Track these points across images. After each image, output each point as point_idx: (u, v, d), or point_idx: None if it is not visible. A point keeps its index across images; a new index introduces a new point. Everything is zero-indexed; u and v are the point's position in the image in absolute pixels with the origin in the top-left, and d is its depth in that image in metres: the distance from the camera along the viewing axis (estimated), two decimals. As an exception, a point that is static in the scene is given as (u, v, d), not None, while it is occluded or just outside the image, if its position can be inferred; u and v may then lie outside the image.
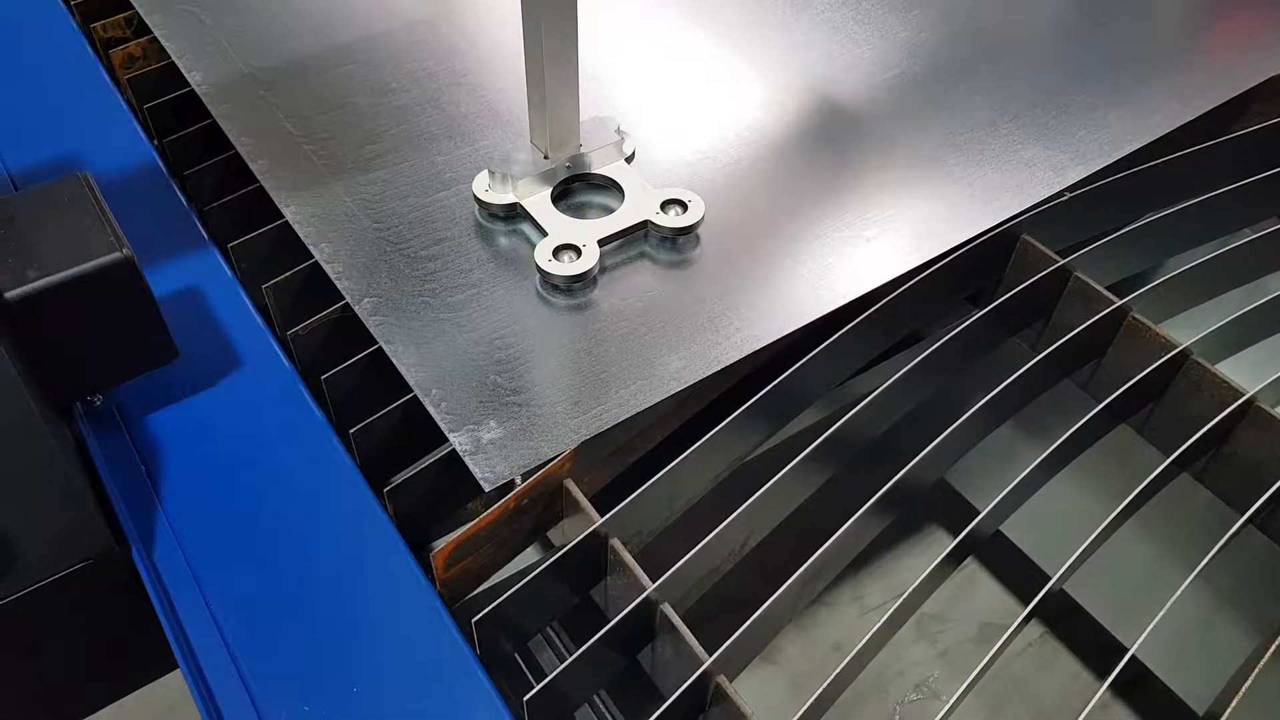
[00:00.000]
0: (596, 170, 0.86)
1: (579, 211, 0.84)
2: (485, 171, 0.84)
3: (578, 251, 0.78)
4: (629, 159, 0.88)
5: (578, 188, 0.86)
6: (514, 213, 0.83)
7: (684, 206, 0.82)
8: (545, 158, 0.83)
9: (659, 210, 0.81)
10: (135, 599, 0.70)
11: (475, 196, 0.83)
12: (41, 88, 1.04)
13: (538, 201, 0.82)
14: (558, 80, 0.78)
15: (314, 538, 0.70)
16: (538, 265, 0.77)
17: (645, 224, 0.81)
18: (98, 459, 0.74)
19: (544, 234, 0.80)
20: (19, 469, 0.63)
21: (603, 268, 0.79)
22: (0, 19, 1.12)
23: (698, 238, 0.82)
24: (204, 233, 0.90)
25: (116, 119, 1.01)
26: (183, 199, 0.93)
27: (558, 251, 0.78)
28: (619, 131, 0.87)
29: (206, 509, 0.71)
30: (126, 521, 0.70)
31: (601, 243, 0.79)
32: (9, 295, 0.64)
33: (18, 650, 0.72)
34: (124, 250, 0.67)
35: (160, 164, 0.96)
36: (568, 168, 0.84)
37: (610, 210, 0.83)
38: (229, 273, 0.87)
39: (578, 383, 0.72)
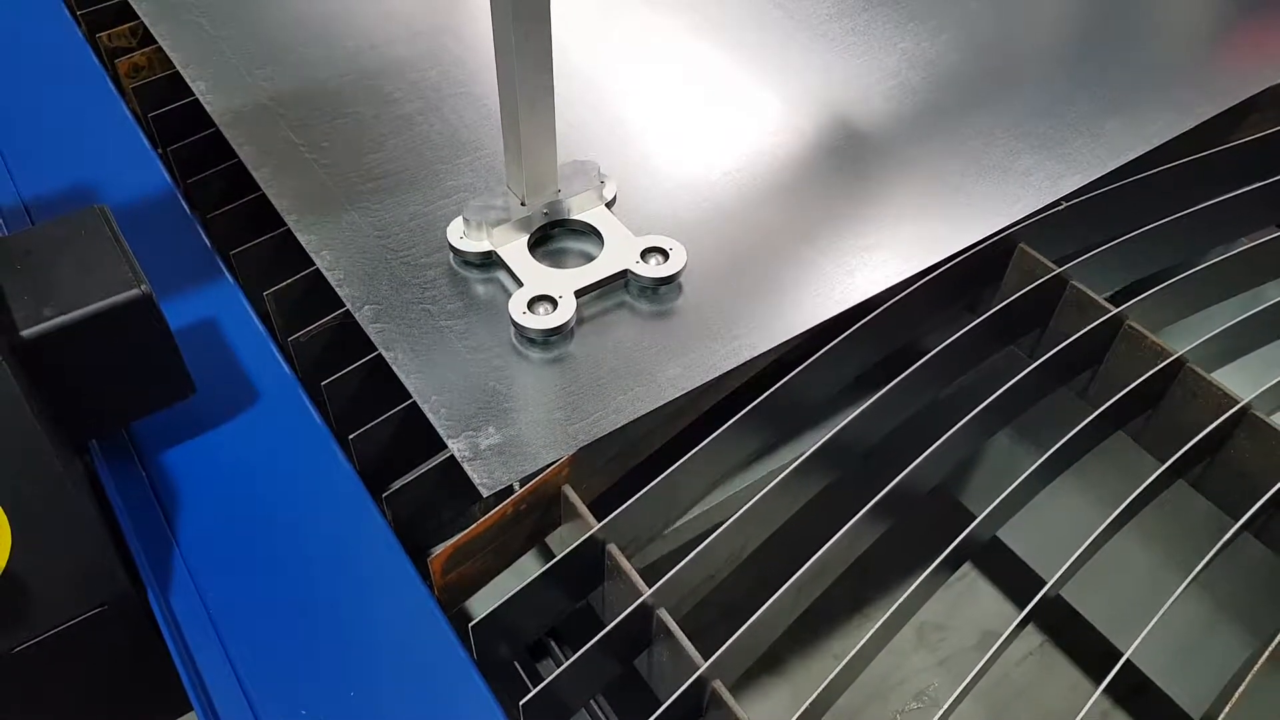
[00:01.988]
0: (575, 216, 0.83)
1: (557, 259, 0.82)
2: (459, 218, 0.81)
3: (554, 303, 0.76)
4: (610, 204, 0.85)
5: (557, 233, 0.83)
6: (490, 260, 0.80)
7: (665, 255, 0.79)
8: (522, 204, 0.80)
9: (639, 259, 0.79)
10: (151, 641, 0.68)
11: (449, 244, 0.81)
12: (48, 97, 1.05)
13: (513, 249, 0.80)
14: (534, 125, 0.75)
15: (312, 542, 0.70)
16: (511, 318, 0.75)
17: (625, 273, 0.79)
18: (113, 496, 0.72)
19: (519, 283, 0.78)
20: (34, 512, 0.61)
21: (580, 318, 0.77)
22: (6, 29, 1.14)
23: (680, 286, 0.79)
24: (207, 241, 0.90)
25: (121, 128, 1.01)
26: (185, 206, 0.93)
27: (533, 303, 0.75)
28: (600, 176, 0.84)
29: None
30: (142, 561, 0.69)
31: (579, 293, 0.77)
32: (25, 333, 0.63)
33: (30, 697, 0.70)
34: (142, 287, 0.66)
35: (164, 172, 0.97)
36: (545, 214, 0.81)
37: (589, 257, 0.81)
38: (231, 279, 0.87)
39: (576, 390, 0.73)
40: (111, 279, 0.66)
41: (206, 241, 0.90)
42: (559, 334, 0.75)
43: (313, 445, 0.76)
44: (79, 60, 1.09)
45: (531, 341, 0.75)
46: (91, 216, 0.70)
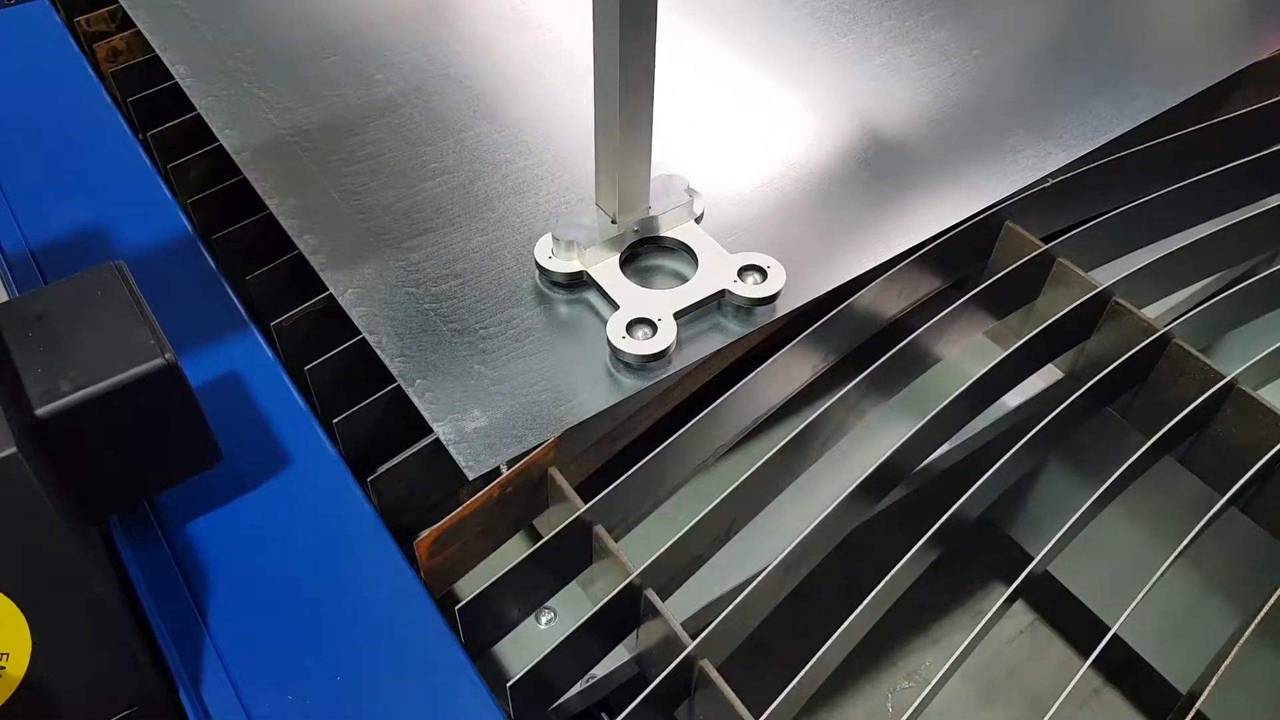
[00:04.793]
0: (666, 233, 0.80)
1: (645, 277, 0.79)
2: (548, 235, 0.78)
3: (653, 326, 0.73)
4: (699, 219, 0.82)
5: (644, 250, 0.80)
6: (579, 280, 0.77)
7: (763, 274, 0.76)
8: (613, 222, 0.77)
9: (736, 278, 0.76)
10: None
11: (537, 263, 0.78)
12: (25, 84, 1.04)
13: (605, 269, 0.77)
14: (632, 143, 0.72)
15: (298, 528, 0.70)
16: (610, 343, 0.71)
17: (722, 293, 0.76)
18: (133, 573, 0.68)
19: (613, 304, 0.75)
20: (56, 614, 0.56)
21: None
22: (-17, 15, 1.13)
23: (775, 308, 0.76)
24: (190, 227, 0.90)
25: (100, 113, 1.01)
26: (169, 193, 0.93)
27: (631, 326, 0.72)
28: (689, 190, 0.81)
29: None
30: (171, 652, 0.64)
31: (677, 315, 0.74)
32: (40, 412, 0.58)
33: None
34: (166, 355, 0.61)
35: (145, 157, 0.96)
36: (636, 232, 0.78)
37: (677, 274, 0.78)
38: (212, 264, 0.87)
39: (562, 371, 0.72)
40: (133, 347, 0.61)
41: (189, 227, 0.90)
42: (660, 360, 0.72)
43: (304, 435, 0.75)
44: (57, 46, 1.08)
45: (627, 366, 0.72)
46: (108, 274, 0.65)
